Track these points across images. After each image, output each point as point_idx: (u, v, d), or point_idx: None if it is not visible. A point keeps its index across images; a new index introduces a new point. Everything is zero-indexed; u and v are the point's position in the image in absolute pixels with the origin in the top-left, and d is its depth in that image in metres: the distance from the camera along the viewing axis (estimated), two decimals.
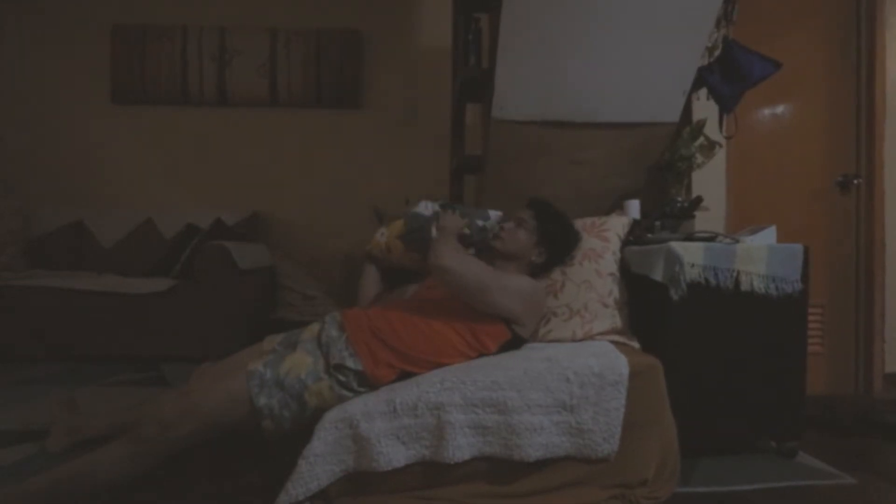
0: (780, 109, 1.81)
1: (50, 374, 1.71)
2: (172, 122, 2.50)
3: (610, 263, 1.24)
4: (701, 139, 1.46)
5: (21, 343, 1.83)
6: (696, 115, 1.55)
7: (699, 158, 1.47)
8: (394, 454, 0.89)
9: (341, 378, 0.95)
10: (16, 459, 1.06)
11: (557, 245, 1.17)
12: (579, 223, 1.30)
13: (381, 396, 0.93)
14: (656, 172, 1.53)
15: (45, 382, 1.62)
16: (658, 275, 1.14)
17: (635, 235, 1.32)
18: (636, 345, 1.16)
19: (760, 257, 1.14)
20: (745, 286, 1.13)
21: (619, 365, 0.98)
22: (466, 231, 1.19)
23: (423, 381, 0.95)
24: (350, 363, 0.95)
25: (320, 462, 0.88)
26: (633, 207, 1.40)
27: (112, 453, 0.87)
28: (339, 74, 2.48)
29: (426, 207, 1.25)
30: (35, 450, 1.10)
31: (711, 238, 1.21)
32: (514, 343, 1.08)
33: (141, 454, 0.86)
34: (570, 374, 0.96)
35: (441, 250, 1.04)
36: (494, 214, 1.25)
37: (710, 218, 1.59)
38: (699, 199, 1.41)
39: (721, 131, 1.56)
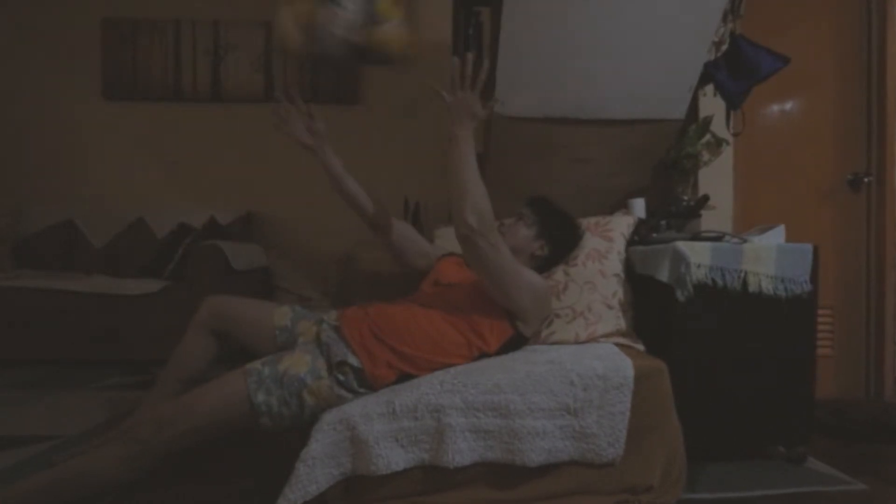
0: (788, 106, 1.79)
1: (37, 377, 1.68)
2: (165, 118, 2.46)
3: (614, 264, 1.22)
4: (707, 136, 1.45)
5: (7, 346, 1.79)
6: (703, 112, 1.53)
7: (706, 156, 1.45)
8: (393, 457, 0.88)
9: (341, 377, 0.93)
10: (3, 466, 1.03)
11: (558, 237, 1.16)
12: (583, 222, 1.28)
13: (380, 398, 0.92)
14: (662, 170, 1.51)
15: (33, 387, 1.59)
16: (664, 275, 1.12)
17: (640, 235, 1.30)
18: (641, 347, 1.15)
19: (769, 257, 1.12)
20: (752, 287, 1.11)
21: (624, 367, 0.96)
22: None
23: (423, 383, 0.93)
24: (352, 360, 0.94)
25: (319, 465, 0.86)
26: (638, 206, 1.39)
27: (107, 454, 0.85)
28: (337, 69, 2.44)
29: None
30: (23, 456, 1.07)
31: (718, 238, 1.19)
32: (516, 340, 1.06)
33: (137, 455, 0.84)
34: (574, 377, 0.94)
35: (467, 189, 0.88)
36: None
37: (717, 217, 1.56)
38: (706, 198, 1.39)
39: (728, 128, 1.53)
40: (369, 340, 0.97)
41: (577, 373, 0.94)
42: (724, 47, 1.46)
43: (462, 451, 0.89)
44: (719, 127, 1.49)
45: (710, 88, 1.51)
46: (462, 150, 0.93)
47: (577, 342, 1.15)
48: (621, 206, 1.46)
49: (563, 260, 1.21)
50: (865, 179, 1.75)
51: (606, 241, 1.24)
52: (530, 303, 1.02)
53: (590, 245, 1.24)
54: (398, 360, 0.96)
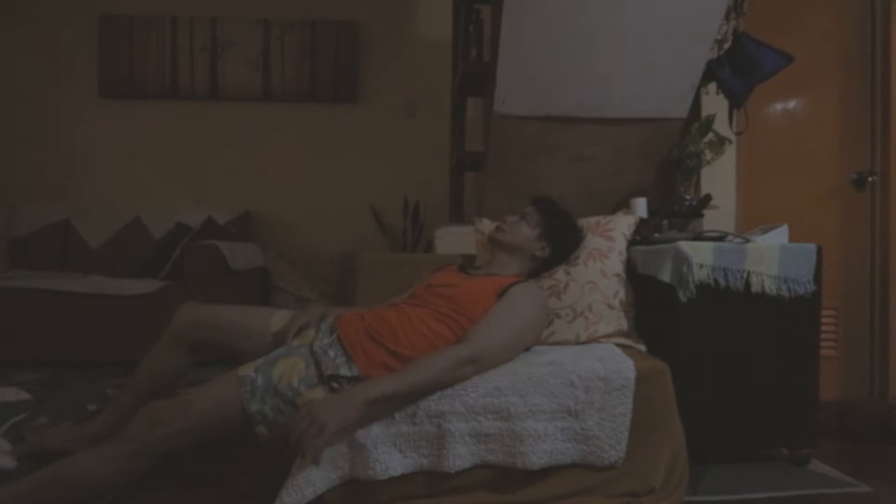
0: (792, 104, 1.77)
1: (34, 378, 1.66)
2: (162, 116, 2.44)
3: (615, 264, 1.21)
4: (710, 135, 1.44)
5: (4, 347, 1.77)
6: (706, 110, 1.52)
7: (708, 155, 1.44)
8: (391, 462, 0.87)
9: (335, 386, 0.92)
10: None
11: (561, 239, 1.16)
12: (584, 222, 1.27)
13: None
14: (664, 169, 1.50)
15: (27, 388, 1.57)
16: (666, 276, 1.11)
17: (642, 235, 1.29)
18: (643, 348, 1.14)
19: (772, 257, 1.11)
20: (755, 287, 1.10)
21: (626, 369, 0.95)
22: None
23: None
24: (344, 370, 0.92)
25: (316, 468, 0.85)
26: (640, 206, 1.37)
27: (98, 453, 0.84)
28: (335, 68, 2.42)
29: None
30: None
31: (721, 237, 1.18)
32: None
33: (128, 454, 0.83)
34: (575, 379, 0.93)
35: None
36: None
37: (720, 216, 1.55)
38: (708, 198, 1.38)
39: (731, 127, 1.53)
40: (365, 341, 0.96)
41: (577, 374, 0.93)
42: (727, 45, 1.45)
43: (461, 455, 0.88)
44: (722, 125, 1.48)
45: (712, 86, 1.50)
46: (388, 389, 0.83)
47: (577, 342, 1.14)
48: (623, 205, 1.45)
49: (563, 262, 1.21)
50: (870, 178, 1.73)
51: (607, 241, 1.23)
52: (539, 333, 1.07)
53: (591, 245, 1.23)
54: (395, 361, 0.95)
